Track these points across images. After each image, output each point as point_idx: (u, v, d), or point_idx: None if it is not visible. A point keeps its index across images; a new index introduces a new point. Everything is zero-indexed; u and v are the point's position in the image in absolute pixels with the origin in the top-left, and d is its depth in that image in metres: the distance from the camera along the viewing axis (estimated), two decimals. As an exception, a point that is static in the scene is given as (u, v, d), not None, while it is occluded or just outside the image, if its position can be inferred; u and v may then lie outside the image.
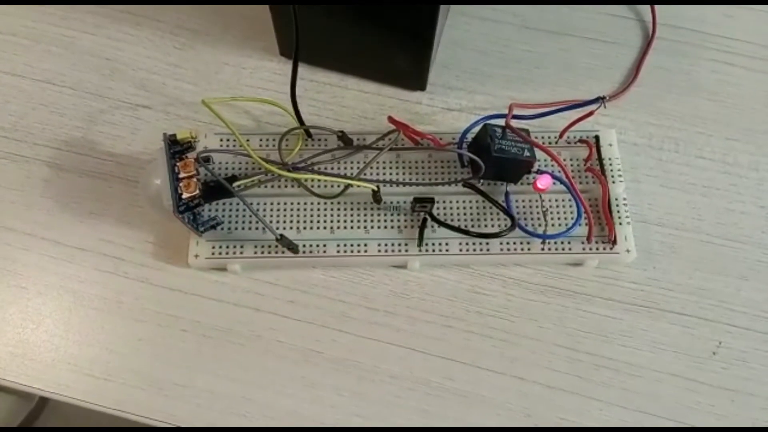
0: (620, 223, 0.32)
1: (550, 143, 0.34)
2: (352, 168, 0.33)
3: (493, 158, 0.30)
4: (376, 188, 0.31)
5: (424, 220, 0.31)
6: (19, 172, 0.34)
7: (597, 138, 0.34)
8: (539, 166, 0.32)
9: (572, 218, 0.32)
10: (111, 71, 0.36)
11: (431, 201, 0.30)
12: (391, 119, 0.31)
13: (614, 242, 0.31)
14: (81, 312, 0.31)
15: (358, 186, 0.31)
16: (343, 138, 0.32)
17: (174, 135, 0.30)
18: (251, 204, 0.32)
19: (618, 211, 0.32)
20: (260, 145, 0.33)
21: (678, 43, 0.37)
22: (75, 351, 0.30)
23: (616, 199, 0.32)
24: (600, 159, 0.33)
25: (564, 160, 0.33)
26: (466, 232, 0.30)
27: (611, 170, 0.33)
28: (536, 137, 0.34)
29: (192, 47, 0.37)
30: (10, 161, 0.34)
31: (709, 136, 0.35)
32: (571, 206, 0.32)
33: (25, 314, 0.31)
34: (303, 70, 0.36)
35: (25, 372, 0.30)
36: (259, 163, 0.29)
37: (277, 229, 0.31)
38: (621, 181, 0.33)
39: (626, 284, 0.32)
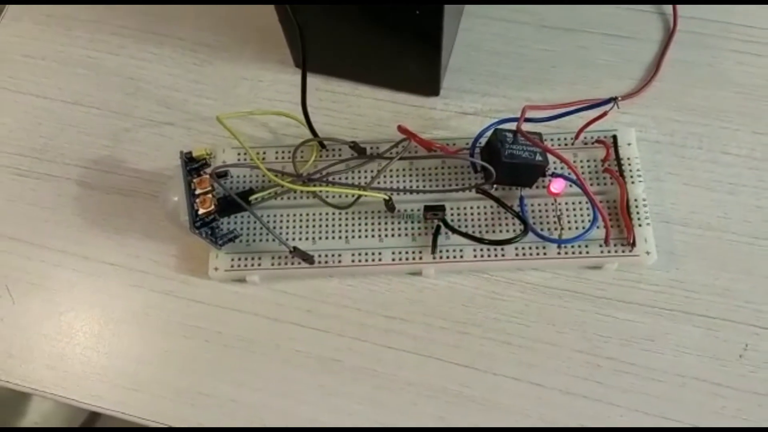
0: (639, 225, 0.31)
1: (566, 144, 0.33)
2: (366, 177, 0.33)
3: (504, 163, 0.30)
4: (387, 197, 0.31)
5: (438, 227, 0.31)
6: (51, 191, 0.35)
7: (615, 137, 0.33)
8: (555, 169, 0.32)
9: (589, 221, 0.31)
10: (135, 90, 0.37)
11: (442, 209, 0.30)
12: (400, 128, 0.31)
13: (633, 244, 0.31)
14: (110, 325, 0.33)
15: (370, 196, 0.31)
16: (355, 148, 0.33)
17: (190, 152, 0.31)
18: (268, 216, 0.33)
19: (637, 212, 0.31)
20: (276, 158, 0.34)
21: (701, 35, 0.36)
22: (105, 363, 0.32)
23: (636, 200, 0.32)
24: (618, 159, 0.32)
25: (581, 161, 0.33)
26: (479, 240, 0.30)
27: (630, 170, 0.32)
28: (552, 139, 0.33)
29: (211, 63, 0.38)
30: (42, 181, 0.36)
31: (735, 130, 0.34)
32: (588, 209, 0.32)
33: (59, 328, 0.33)
34: (317, 80, 0.37)
35: (60, 384, 0.32)
36: (269, 177, 0.30)
37: (294, 240, 0.32)
38: (640, 181, 0.32)
39: (648, 287, 0.31)
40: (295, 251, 0.30)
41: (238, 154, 0.34)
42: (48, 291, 0.33)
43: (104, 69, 0.38)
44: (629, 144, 0.33)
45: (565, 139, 0.33)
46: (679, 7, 0.36)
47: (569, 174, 0.31)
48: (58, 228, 0.34)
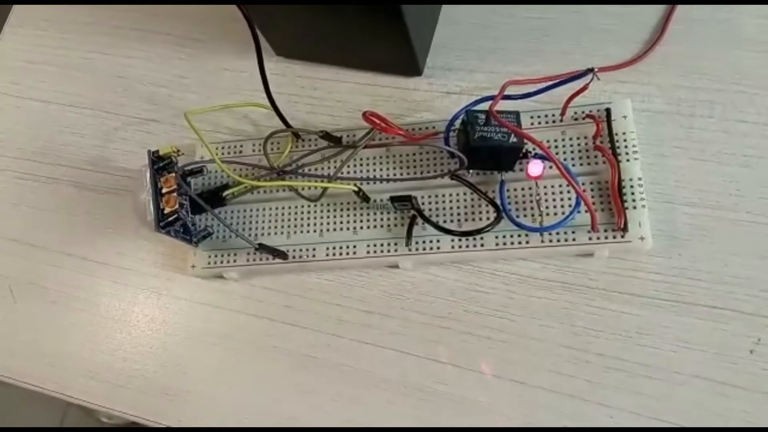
0: (634, 207, 0.28)
1: (554, 122, 0.30)
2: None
3: (473, 147, 0.27)
4: (357, 188, 0.30)
5: (413, 217, 0.30)
6: (48, 193, 0.36)
7: (608, 111, 0.30)
8: (537, 150, 0.29)
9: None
10: (123, 89, 0.38)
11: (409, 199, 0.29)
12: (365, 116, 0.30)
13: (624, 229, 0.28)
14: (101, 323, 0.33)
15: (338, 188, 0.30)
16: (327, 137, 0.31)
17: (157, 151, 0.30)
18: (243, 210, 0.32)
19: (632, 194, 0.28)
20: (253, 151, 0.33)
21: (713, -12, 0.32)
22: (94, 359, 0.33)
23: (631, 180, 0.29)
24: (610, 135, 0.29)
25: (570, 139, 0.30)
26: (449, 231, 0.28)
27: (625, 147, 0.29)
28: (539, 116, 0.31)
29: (195, 57, 0.37)
30: (41, 183, 0.37)
31: (753, 95, 0.30)
32: (574, 193, 0.29)
33: (57, 327, 0.34)
34: (298, 67, 0.35)
35: (56, 380, 0.33)
36: (226, 173, 0.29)
37: (268, 234, 0.31)
38: (636, 159, 0.29)
39: (646, 275, 0.29)
40: (261, 248, 0.30)
41: (216, 148, 0.34)
42: (47, 291, 0.34)
43: (96, 69, 0.39)
44: (624, 117, 0.30)
45: (553, 115, 0.31)
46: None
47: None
48: (55, 229, 0.35)
